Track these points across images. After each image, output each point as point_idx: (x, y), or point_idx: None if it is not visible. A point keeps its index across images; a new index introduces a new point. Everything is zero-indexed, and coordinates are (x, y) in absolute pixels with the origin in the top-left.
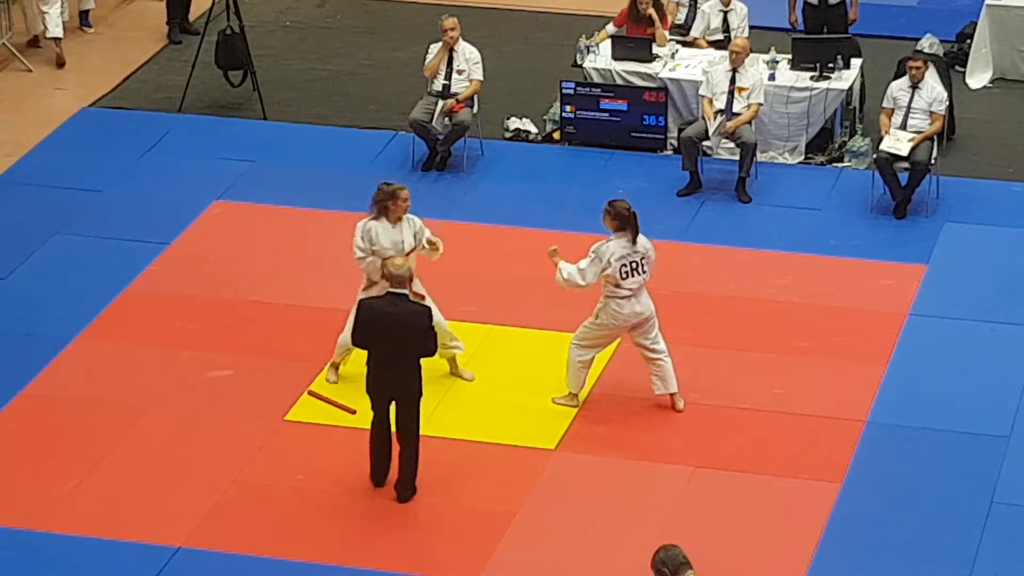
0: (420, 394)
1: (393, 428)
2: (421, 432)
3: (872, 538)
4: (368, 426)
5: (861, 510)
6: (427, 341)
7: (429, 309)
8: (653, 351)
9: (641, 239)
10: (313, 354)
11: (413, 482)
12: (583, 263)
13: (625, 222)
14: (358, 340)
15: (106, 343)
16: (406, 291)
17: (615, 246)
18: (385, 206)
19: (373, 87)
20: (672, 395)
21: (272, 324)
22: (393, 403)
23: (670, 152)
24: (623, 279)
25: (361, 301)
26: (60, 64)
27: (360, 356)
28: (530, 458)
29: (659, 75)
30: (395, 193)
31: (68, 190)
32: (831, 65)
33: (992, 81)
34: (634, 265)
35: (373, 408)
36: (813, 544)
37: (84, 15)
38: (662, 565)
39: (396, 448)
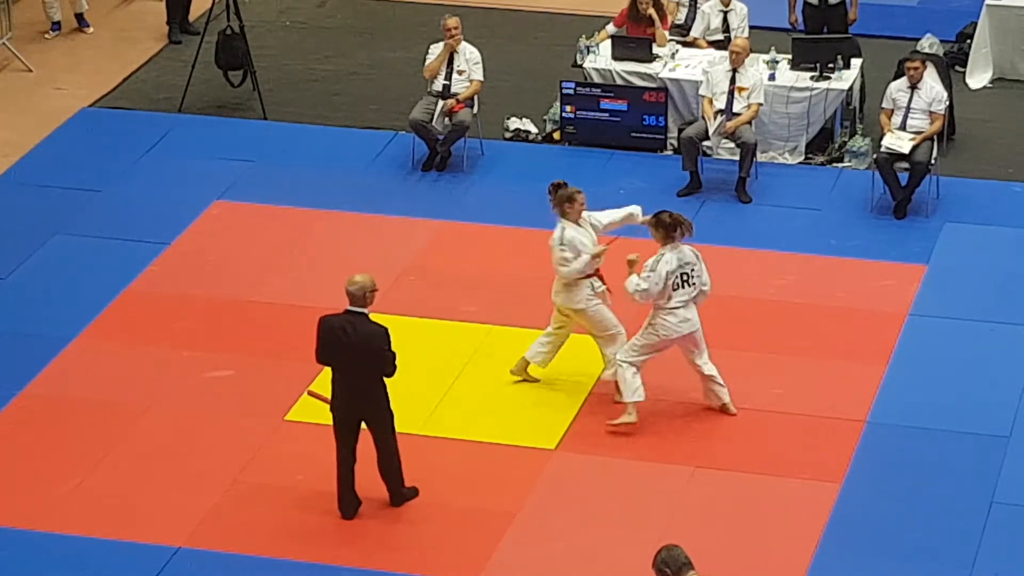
0: (390, 414)
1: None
2: (421, 432)
3: (872, 538)
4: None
5: (861, 510)
6: (382, 362)
7: (386, 331)
8: (710, 377)
9: (685, 249)
10: (313, 354)
11: (402, 491)
12: (641, 282)
13: (671, 229)
14: (320, 357)
15: (106, 343)
16: (365, 310)
17: (669, 258)
18: (563, 209)
19: (373, 87)
20: (723, 404)
21: (272, 324)
22: (364, 425)
23: (670, 152)
24: (674, 291)
25: (321, 319)
26: None
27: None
28: (530, 458)
29: (659, 75)
30: (572, 196)
31: (68, 190)
32: (831, 65)
33: (992, 81)
34: (685, 277)
35: (337, 438)
36: (813, 544)
37: (80, 16)
38: (664, 566)
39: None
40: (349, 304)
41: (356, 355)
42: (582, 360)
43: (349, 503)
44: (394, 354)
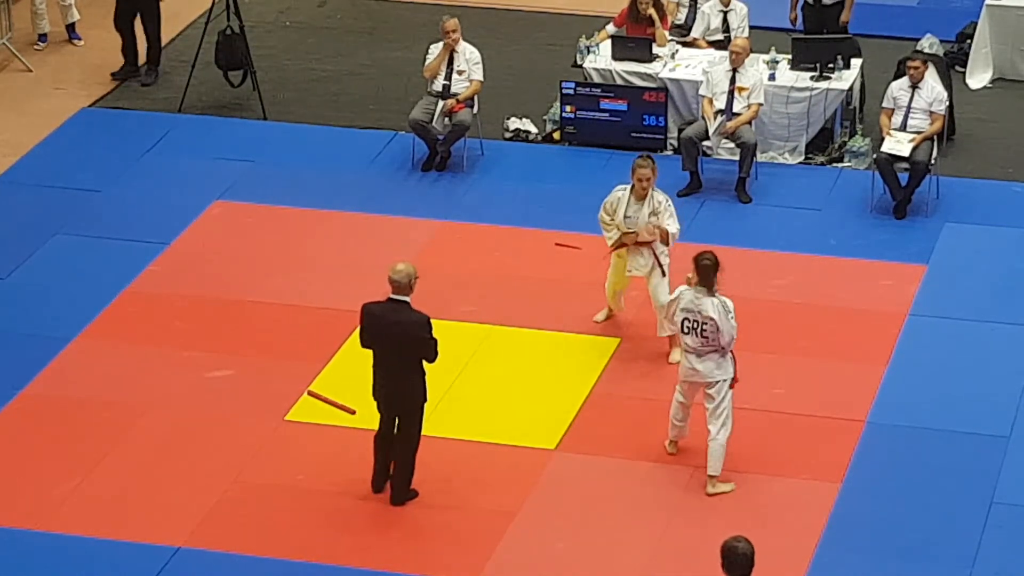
0: (424, 400)
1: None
2: (422, 432)
3: (872, 538)
4: (373, 426)
5: (861, 510)
6: (425, 349)
7: (428, 319)
8: (710, 422)
9: (709, 303)
10: (313, 354)
11: (405, 489)
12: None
13: (701, 275)
14: (362, 342)
15: (106, 343)
16: (407, 298)
17: (687, 293)
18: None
19: (373, 87)
20: (709, 476)
21: (272, 324)
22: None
23: (670, 152)
24: (684, 332)
25: (364, 306)
26: None
27: (363, 356)
28: (530, 458)
29: (659, 75)
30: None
31: (68, 190)
32: (831, 65)
33: (992, 81)
34: (695, 323)
35: (380, 417)
36: (813, 544)
37: (71, 28)
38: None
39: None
40: (392, 292)
41: (397, 342)
42: (582, 360)
43: (380, 477)
44: (436, 341)
